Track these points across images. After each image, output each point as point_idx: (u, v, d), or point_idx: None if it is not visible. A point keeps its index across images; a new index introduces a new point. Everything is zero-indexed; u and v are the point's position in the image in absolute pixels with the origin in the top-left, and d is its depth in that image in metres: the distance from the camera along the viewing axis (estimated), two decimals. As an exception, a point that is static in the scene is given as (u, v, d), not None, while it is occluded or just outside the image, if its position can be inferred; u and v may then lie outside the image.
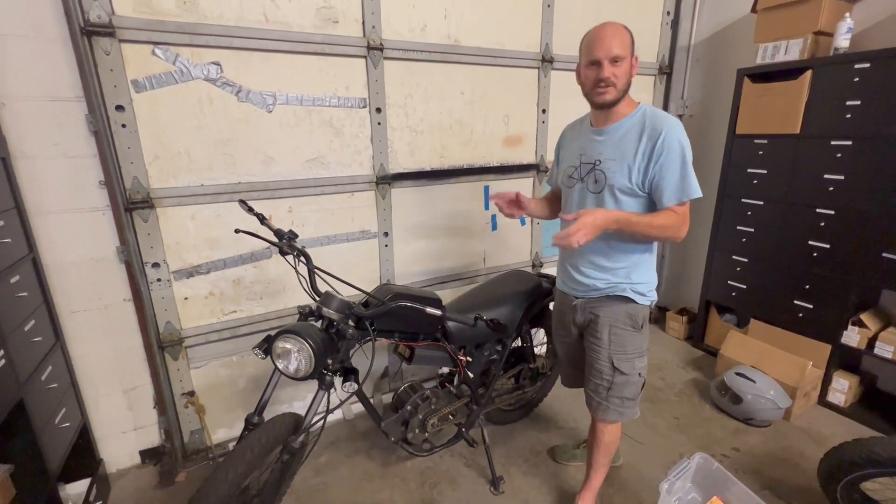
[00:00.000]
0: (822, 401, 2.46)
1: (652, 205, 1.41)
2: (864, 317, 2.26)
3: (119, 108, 1.66)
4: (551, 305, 1.88)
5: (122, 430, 2.00)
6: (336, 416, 2.36)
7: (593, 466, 1.72)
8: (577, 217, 1.24)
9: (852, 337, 2.27)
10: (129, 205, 1.74)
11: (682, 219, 1.37)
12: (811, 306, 2.42)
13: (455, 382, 1.94)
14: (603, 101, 1.38)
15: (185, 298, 1.94)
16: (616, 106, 1.39)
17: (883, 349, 2.18)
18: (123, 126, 1.68)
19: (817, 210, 2.33)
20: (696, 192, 1.35)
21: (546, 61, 2.51)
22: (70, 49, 1.57)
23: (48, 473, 1.48)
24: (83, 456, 1.82)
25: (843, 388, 2.38)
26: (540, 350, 2.24)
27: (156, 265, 1.84)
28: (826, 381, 2.42)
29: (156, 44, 1.67)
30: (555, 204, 1.75)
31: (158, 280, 1.86)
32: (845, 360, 2.43)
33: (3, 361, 1.31)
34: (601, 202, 1.43)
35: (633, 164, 1.36)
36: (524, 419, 2.35)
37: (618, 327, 1.51)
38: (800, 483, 1.92)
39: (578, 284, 1.55)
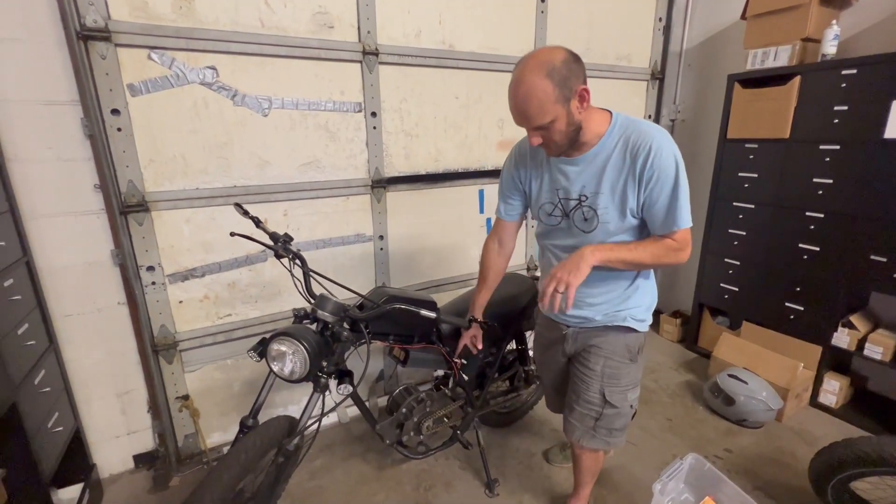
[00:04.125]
0: (814, 402, 2.48)
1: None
2: (854, 318, 2.29)
3: (115, 111, 1.66)
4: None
5: (116, 434, 1.99)
6: (331, 419, 2.36)
7: (579, 482, 1.69)
8: (552, 276, 1.11)
9: (842, 338, 2.30)
10: (124, 208, 1.74)
11: (681, 244, 1.20)
12: (802, 308, 2.45)
13: (450, 385, 1.95)
14: (550, 156, 1.27)
15: (180, 302, 1.94)
16: (581, 138, 1.19)
17: (872, 350, 2.21)
18: (119, 130, 1.68)
19: (807, 213, 2.36)
20: (686, 222, 1.18)
21: (540, 66, 2.53)
22: (66, 53, 1.58)
23: (41, 478, 1.47)
24: (76, 460, 1.81)
25: (833, 389, 2.40)
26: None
27: (150, 268, 1.84)
28: (817, 383, 2.44)
29: (152, 48, 1.68)
30: (498, 260, 1.56)
31: (153, 283, 1.86)
32: (836, 361, 2.46)
33: (-5, 365, 1.31)
34: (592, 241, 1.26)
35: (627, 194, 1.19)
36: (519, 422, 2.36)
37: (613, 359, 1.38)
38: (791, 483, 1.94)
39: (571, 316, 1.41)
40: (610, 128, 1.20)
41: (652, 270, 1.41)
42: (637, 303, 1.37)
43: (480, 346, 1.65)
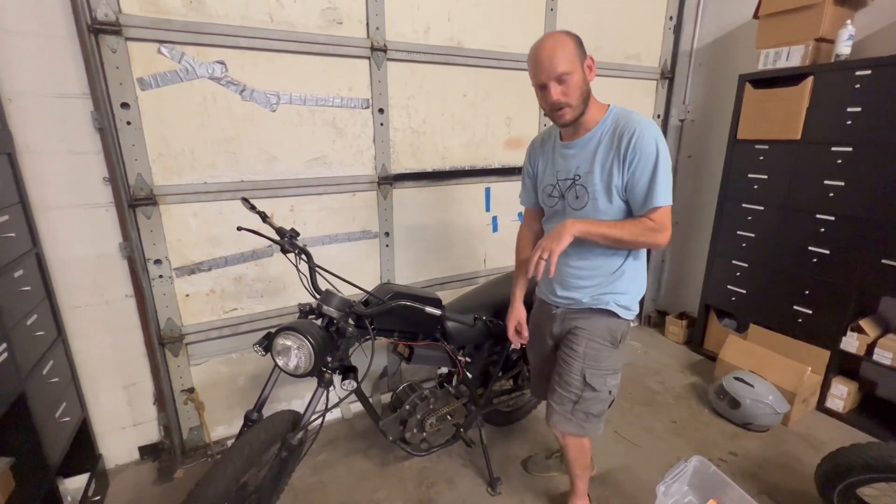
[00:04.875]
0: (821, 406, 2.46)
1: None
2: (864, 323, 2.26)
3: (124, 105, 1.67)
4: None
5: (122, 425, 2.01)
6: (334, 415, 2.37)
7: (572, 477, 1.71)
8: (537, 246, 1.24)
9: (851, 343, 2.27)
10: (133, 201, 1.75)
11: (658, 225, 1.28)
12: (810, 312, 2.42)
13: (454, 383, 1.95)
14: (564, 122, 1.32)
15: (187, 295, 1.95)
16: (582, 117, 1.32)
17: (882, 356, 2.18)
18: (128, 123, 1.69)
19: (817, 216, 2.33)
20: (663, 199, 1.26)
21: (548, 64, 2.52)
22: (77, 46, 1.58)
23: (48, 467, 1.48)
24: (82, 451, 1.83)
25: (841, 394, 2.38)
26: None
27: (158, 262, 1.85)
28: (825, 387, 2.42)
29: (162, 42, 1.68)
30: (536, 232, 1.68)
31: (160, 277, 1.87)
32: (844, 366, 2.43)
33: (5, 355, 1.32)
34: (584, 216, 1.37)
35: (613, 172, 1.30)
36: (522, 421, 2.35)
37: (595, 341, 1.45)
38: (797, 488, 1.92)
39: (560, 297, 1.50)
40: (605, 116, 1.35)
41: (643, 261, 1.48)
42: (623, 289, 1.44)
43: (526, 334, 1.65)
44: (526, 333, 1.66)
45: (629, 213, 1.35)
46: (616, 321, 1.45)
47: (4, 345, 1.33)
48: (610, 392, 1.49)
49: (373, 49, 2.04)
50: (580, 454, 1.61)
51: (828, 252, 2.31)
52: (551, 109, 1.30)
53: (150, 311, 1.87)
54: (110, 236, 1.80)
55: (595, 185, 1.33)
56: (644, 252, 1.49)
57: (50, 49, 1.57)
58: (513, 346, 1.69)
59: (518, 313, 1.63)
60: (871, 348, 2.22)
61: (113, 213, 1.77)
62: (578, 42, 1.27)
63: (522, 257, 1.67)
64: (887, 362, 2.16)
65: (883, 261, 2.11)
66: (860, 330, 2.25)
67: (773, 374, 2.39)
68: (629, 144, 1.26)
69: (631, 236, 1.28)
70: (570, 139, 1.39)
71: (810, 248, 2.38)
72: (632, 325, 1.50)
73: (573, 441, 1.56)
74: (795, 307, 2.48)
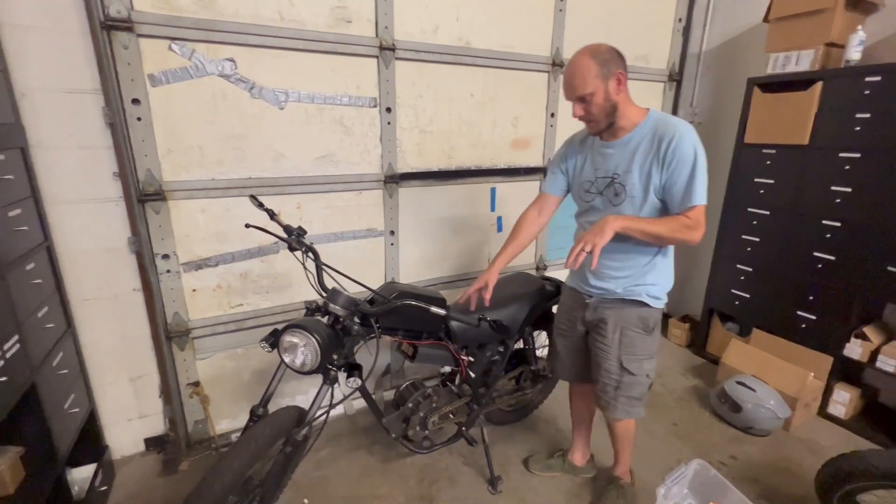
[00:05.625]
0: (823, 412, 2.46)
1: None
2: (868, 330, 2.25)
3: (135, 101, 1.69)
4: (555, 308, 1.90)
5: (128, 417, 2.03)
6: (338, 411, 2.39)
7: (616, 451, 1.83)
8: (580, 239, 1.28)
9: (855, 350, 2.27)
10: (142, 196, 1.77)
11: (694, 223, 1.35)
12: (814, 317, 2.42)
13: (456, 382, 1.96)
14: (591, 133, 1.48)
15: (194, 290, 1.97)
16: (618, 122, 1.40)
17: (885, 363, 2.17)
18: (139, 119, 1.71)
19: (823, 221, 2.33)
20: (700, 199, 1.34)
21: (556, 65, 2.51)
22: (89, 42, 1.60)
23: (57, 457, 1.51)
24: (90, 441, 1.85)
25: (843, 400, 2.38)
26: (541, 352, 2.25)
27: (166, 257, 1.87)
28: (827, 393, 2.42)
29: (173, 39, 1.70)
30: (534, 225, 1.74)
31: (168, 271, 1.89)
32: (847, 372, 2.43)
33: (17, 346, 1.34)
34: (621, 213, 1.44)
35: (652, 173, 1.37)
36: (523, 420, 2.37)
37: (629, 329, 1.53)
38: (797, 493, 1.93)
39: (594, 287, 1.57)
40: (645, 119, 1.41)
41: (671, 258, 1.55)
42: (654, 280, 1.51)
43: (488, 296, 1.64)
44: (488, 295, 1.63)
45: (664, 211, 1.42)
46: (647, 310, 1.53)
47: (16, 337, 1.35)
48: (647, 375, 1.58)
49: (381, 48, 2.05)
50: (625, 433, 1.74)
51: (833, 258, 2.31)
52: (580, 120, 1.43)
53: (158, 306, 1.89)
54: (119, 231, 1.82)
55: (633, 184, 1.41)
56: (672, 249, 1.54)
57: (63, 45, 1.59)
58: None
59: (489, 276, 1.65)
60: (874, 355, 2.22)
61: (122, 208, 1.79)
62: (604, 60, 1.31)
63: (519, 233, 1.73)
64: (890, 369, 2.16)
65: (888, 268, 2.11)
66: (864, 336, 2.24)
67: (775, 378, 2.39)
68: (668, 147, 1.33)
69: (669, 232, 1.35)
70: (610, 139, 1.46)
71: (816, 253, 2.37)
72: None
73: (620, 425, 1.69)
74: (799, 312, 2.47)
